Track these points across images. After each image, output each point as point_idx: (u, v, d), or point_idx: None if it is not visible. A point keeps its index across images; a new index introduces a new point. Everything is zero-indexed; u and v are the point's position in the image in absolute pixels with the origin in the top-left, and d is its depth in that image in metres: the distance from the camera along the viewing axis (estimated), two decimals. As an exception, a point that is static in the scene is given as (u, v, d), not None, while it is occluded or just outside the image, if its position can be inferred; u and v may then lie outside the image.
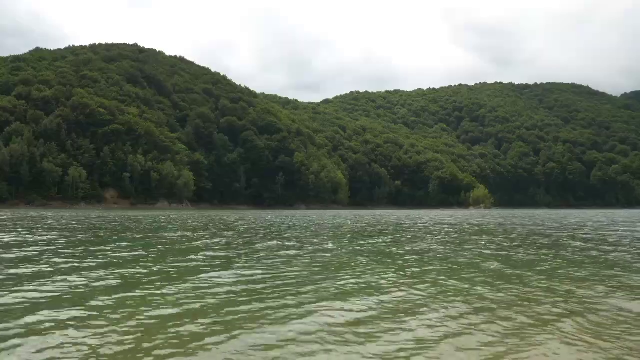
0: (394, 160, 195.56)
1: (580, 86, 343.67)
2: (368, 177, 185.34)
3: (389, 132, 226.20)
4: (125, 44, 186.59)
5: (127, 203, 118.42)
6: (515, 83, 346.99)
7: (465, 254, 13.24)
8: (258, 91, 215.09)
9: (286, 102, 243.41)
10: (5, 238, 17.47)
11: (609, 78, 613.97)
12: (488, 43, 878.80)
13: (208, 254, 12.77)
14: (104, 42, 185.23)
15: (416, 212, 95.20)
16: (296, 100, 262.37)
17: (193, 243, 16.46)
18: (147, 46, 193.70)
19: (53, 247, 14.08)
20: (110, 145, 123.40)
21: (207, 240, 17.55)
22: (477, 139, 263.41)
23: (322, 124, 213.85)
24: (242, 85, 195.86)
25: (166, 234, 21.46)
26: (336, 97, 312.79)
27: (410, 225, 32.85)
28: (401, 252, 13.99)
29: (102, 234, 20.82)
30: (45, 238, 17.88)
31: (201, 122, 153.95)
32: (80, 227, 27.23)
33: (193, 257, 11.83)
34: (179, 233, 22.28)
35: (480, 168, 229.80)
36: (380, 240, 18.46)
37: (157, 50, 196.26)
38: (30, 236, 18.74)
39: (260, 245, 15.58)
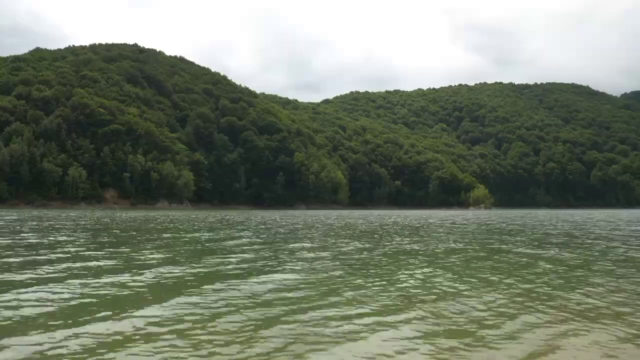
0: (394, 160, 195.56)
1: (580, 86, 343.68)
2: (368, 177, 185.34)
3: (389, 132, 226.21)
4: (125, 44, 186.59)
5: (127, 203, 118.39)
6: (515, 83, 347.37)
7: (571, 254, 13.17)
8: (258, 91, 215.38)
9: (286, 102, 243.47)
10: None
11: (609, 78, 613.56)
12: (488, 43, 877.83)
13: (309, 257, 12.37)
14: (104, 42, 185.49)
15: (424, 212, 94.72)
16: (296, 100, 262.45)
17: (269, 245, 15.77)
18: (147, 46, 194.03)
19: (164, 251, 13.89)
20: (110, 145, 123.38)
21: (300, 244, 16.40)
22: (477, 139, 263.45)
23: (322, 124, 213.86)
24: (242, 85, 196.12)
25: (221, 233, 21.41)
26: (336, 97, 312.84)
27: (454, 225, 32.64)
28: (506, 253, 13.57)
29: (179, 235, 20.82)
30: (120, 238, 18.07)
31: (201, 122, 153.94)
32: (129, 227, 27.21)
33: (295, 264, 11.04)
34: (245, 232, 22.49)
35: (480, 168, 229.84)
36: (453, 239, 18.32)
37: (157, 50, 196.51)
38: (79, 236, 18.69)
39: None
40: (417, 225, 33.58)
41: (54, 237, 18.67)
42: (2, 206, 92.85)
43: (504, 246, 15.97)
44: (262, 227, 29.02)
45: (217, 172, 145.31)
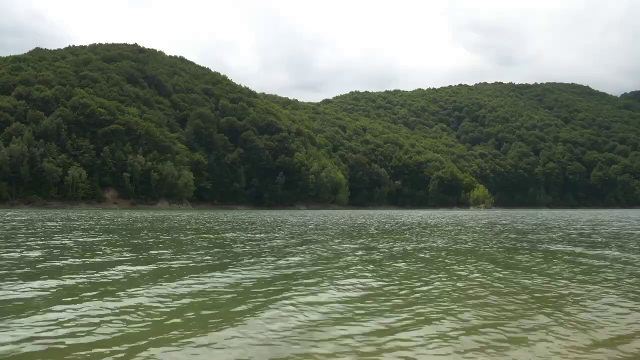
0: (394, 160, 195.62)
1: (580, 86, 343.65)
2: (368, 177, 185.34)
3: (389, 132, 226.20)
4: (125, 44, 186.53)
5: (127, 203, 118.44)
6: (516, 83, 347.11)
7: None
8: (258, 91, 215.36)
9: (286, 102, 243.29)
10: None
11: (609, 78, 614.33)
12: (488, 43, 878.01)
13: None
14: (104, 42, 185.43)
15: (430, 212, 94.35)
16: (296, 100, 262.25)
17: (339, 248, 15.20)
18: (147, 46, 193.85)
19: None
20: (110, 145, 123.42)
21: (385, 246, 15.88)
22: (477, 139, 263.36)
23: (322, 124, 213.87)
24: (242, 85, 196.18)
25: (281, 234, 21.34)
26: (336, 97, 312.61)
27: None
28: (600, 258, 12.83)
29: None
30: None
31: (201, 122, 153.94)
32: (170, 227, 26.91)
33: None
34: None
35: (480, 168, 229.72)
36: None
37: (157, 50, 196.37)
38: (128, 237, 18.66)
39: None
40: (463, 223, 33.43)
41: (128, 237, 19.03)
42: (2, 206, 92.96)
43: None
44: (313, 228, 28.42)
45: (217, 172, 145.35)
